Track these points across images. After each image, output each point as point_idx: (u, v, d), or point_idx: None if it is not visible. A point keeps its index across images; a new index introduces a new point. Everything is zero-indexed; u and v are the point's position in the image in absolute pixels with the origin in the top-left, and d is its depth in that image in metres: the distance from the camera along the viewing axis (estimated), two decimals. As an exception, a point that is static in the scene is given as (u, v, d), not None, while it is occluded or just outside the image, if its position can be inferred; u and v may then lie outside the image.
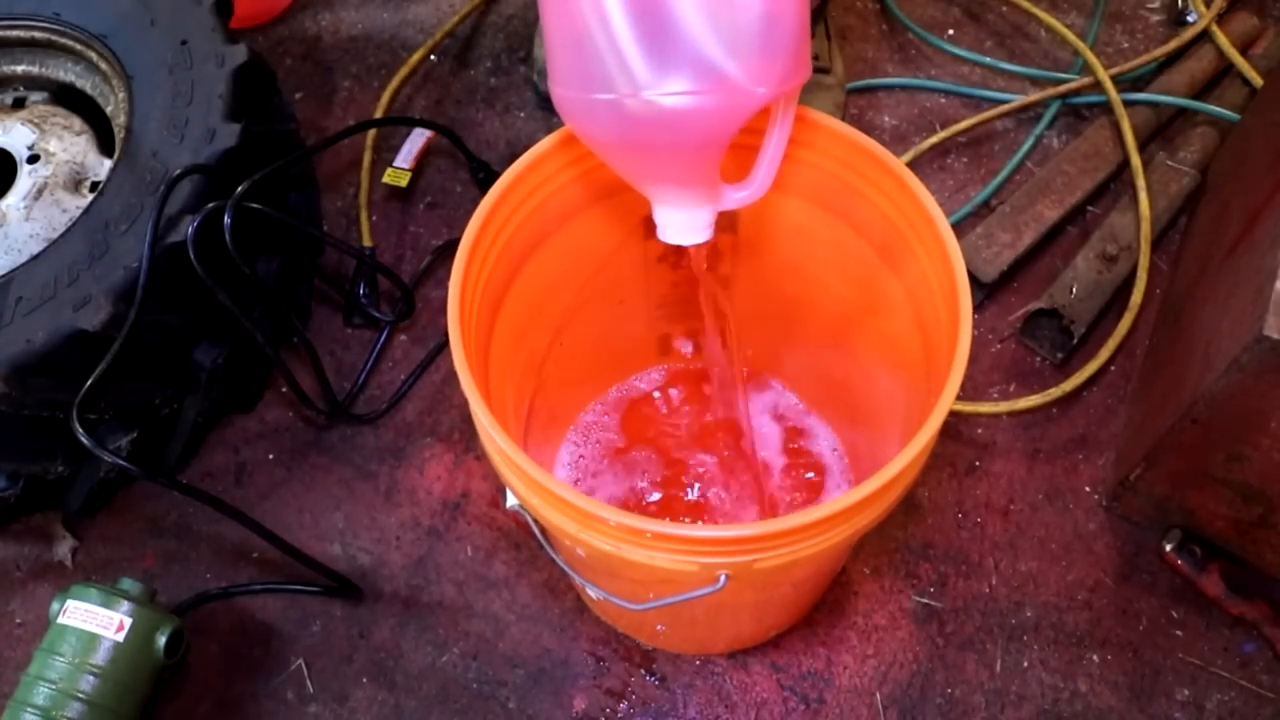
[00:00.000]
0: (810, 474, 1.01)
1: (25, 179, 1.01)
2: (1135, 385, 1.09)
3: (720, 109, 0.62)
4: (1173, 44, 1.28)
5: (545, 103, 1.33)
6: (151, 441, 1.03)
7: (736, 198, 0.72)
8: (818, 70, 1.22)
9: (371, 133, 1.29)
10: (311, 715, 0.98)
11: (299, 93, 1.37)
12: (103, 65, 1.06)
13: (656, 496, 1.01)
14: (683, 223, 0.71)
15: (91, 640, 0.90)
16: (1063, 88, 1.27)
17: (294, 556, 0.95)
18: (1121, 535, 1.02)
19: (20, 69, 1.11)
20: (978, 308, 1.15)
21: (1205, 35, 1.28)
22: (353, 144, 1.27)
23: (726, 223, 0.86)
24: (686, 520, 0.99)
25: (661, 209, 0.71)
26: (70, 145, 1.05)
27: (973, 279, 1.13)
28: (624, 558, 0.63)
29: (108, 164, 1.05)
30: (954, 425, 1.08)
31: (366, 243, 1.22)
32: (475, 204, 0.72)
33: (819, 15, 1.24)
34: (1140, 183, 1.16)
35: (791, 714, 0.95)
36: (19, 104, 1.11)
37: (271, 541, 0.92)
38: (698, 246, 0.74)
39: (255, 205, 0.94)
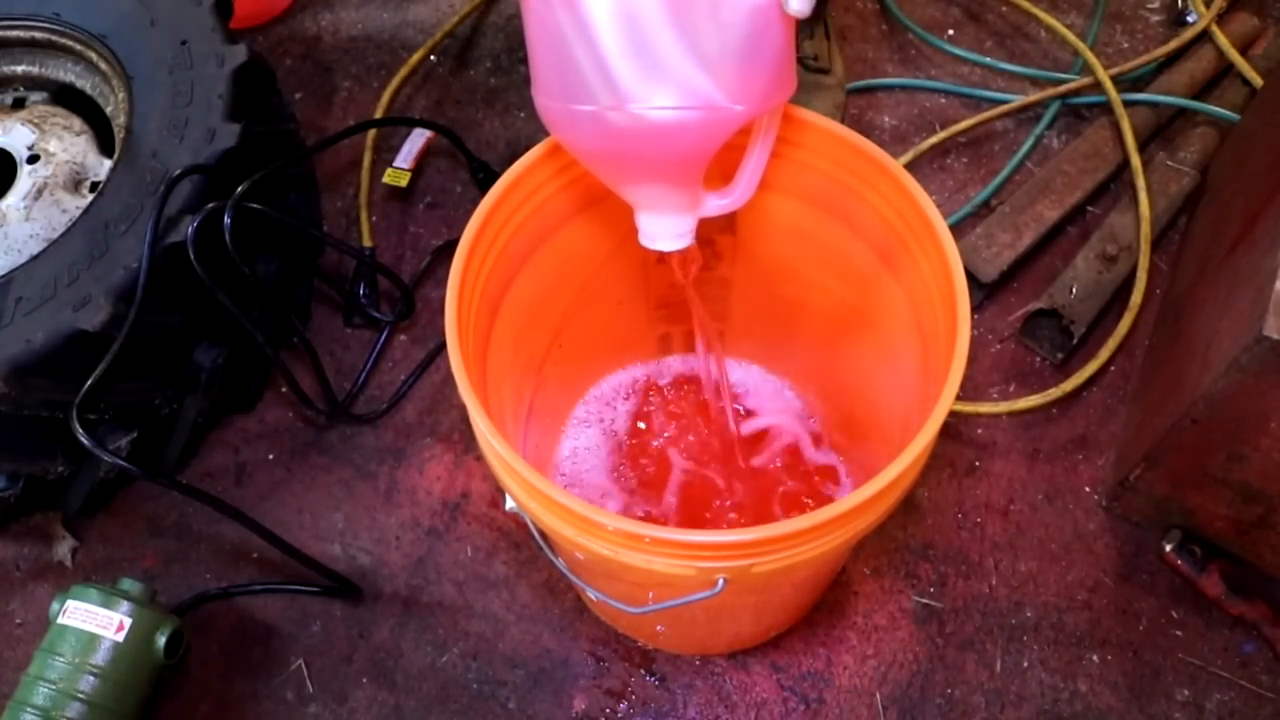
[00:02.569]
0: (813, 475, 1.01)
1: (25, 179, 1.01)
2: (1135, 385, 1.09)
3: (704, 125, 0.62)
4: (1173, 44, 1.28)
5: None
6: (151, 441, 1.03)
7: (717, 205, 0.73)
8: (817, 70, 1.22)
9: (371, 133, 1.29)
10: (311, 715, 0.98)
11: (299, 93, 1.37)
12: (103, 65, 1.06)
13: (657, 488, 1.01)
14: (664, 228, 0.72)
15: (91, 640, 0.90)
16: (1063, 88, 1.27)
17: (294, 556, 0.95)
18: (1121, 535, 1.02)
19: (20, 69, 1.11)
20: (977, 308, 1.15)
21: (1205, 35, 1.28)
22: (353, 144, 1.27)
23: (725, 224, 0.87)
24: (671, 500, 0.99)
25: (643, 215, 0.72)
26: (70, 145, 1.05)
27: (972, 279, 1.13)
28: (622, 562, 0.63)
29: (108, 164, 1.05)
30: (954, 425, 1.08)
31: (366, 243, 1.22)
32: (475, 204, 0.72)
33: (819, 15, 1.24)
34: (1140, 183, 1.16)
35: (791, 714, 0.95)
36: (19, 104, 1.11)
37: (271, 541, 0.92)
38: (679, 251, 0.74)
39: (255, 205, 0.94)
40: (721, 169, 0.71)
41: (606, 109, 0.61)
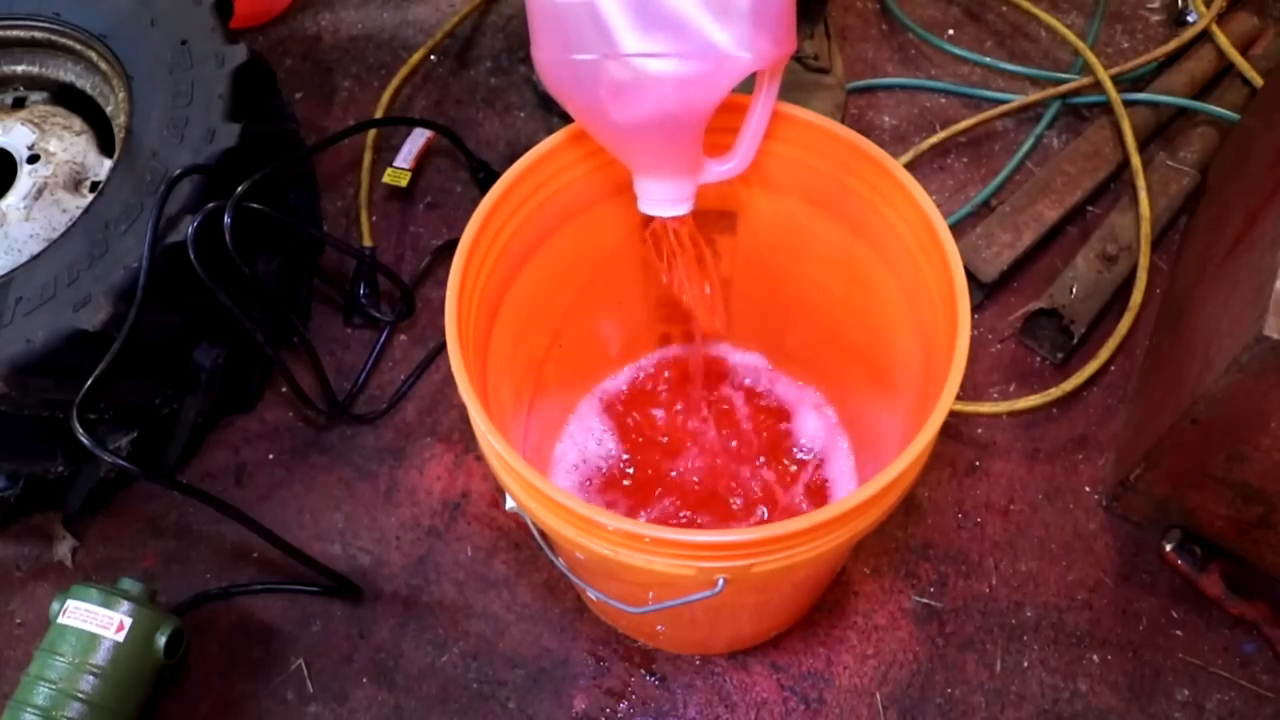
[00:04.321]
0: (813, 469, 1.00)
1: (25, 179, 1.01)
2: (1135, 385, 1.09)
3: (703, 75, 0.61)
4: (1172, 44, 1.28)
5: (545, 102, 1.33)
6: (151, 441, 1.03)
7: (719, 170, 0.72)
8: (817, 70, 1.22)
9: (372, 133, 1.29)
10: (311, 715, 0.98)
11: (299, 93, 1.37)
12: (103, 65, 1.06)
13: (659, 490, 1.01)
14: (663, 193, 0.71)
15: (91, 640, 0.90)
16: (1063, 88, 1.27)
17: (294, 556, 0.95)
18: (1121, 535, 1.02)
19: (20, 69, 1.11)
20: (978, 308, 1.15)
21: (1205, 35, 1.28)
22: (353, 144, 1.27)
23: (726, 225, 0.87)
24: (684, 514, 0.99)
25: (643, 179, 0.71)
26: (70, 145, 1.05)
27: (973, 279, 1.13)
28: (622, 562, 0.63)
29: (108, 164, 1.05)
30: (954, 425, 1.08)
31: (367, 242, 1.22)
32: (475, 204, 0.72)
33: (819, 15, 1.24)
34: (1140, 183, 1.15)
35: (791, 714, 0.95)
36: (19, 104, 1.11)
37: (271, 541, 0.92)
38: (678, 220, 0.73)
39: (255, 205, 0.94)
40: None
41: (605, 58, 0.60)
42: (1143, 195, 1.15)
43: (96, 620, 0.91)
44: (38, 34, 1.08)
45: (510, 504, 0.70)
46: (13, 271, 0.91)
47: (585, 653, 0.99)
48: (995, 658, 0.97)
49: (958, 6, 1.41)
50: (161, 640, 0.93)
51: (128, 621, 0.91)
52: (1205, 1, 1.31)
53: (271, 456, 1.11)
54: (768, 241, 0.87)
